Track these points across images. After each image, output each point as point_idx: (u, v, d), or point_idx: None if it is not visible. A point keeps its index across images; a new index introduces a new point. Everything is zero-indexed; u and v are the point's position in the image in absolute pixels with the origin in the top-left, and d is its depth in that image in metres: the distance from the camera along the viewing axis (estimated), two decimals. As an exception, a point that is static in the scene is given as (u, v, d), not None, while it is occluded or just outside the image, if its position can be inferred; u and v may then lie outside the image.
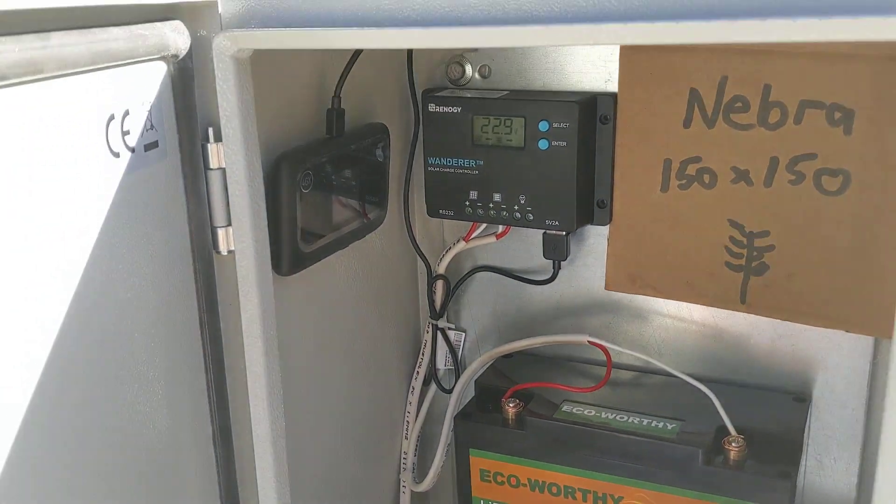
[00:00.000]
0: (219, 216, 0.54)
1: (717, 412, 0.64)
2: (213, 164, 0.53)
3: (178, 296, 0.54)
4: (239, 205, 0.53)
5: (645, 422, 0.65)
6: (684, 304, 0.71)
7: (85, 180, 0.47)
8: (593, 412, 0.67)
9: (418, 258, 0.76)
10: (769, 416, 0.65)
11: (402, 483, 0.80)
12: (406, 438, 0.80)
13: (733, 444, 0.62)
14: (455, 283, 0.77)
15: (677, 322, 0.72)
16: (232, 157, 0.52)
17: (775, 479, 0.60)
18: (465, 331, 0.80)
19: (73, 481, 0.48)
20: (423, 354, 0.80)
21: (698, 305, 0.71)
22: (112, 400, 0.50)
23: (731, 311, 0.69)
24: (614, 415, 0.66)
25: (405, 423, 0.80)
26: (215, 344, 0.57)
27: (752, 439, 0.63)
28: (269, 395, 0.58)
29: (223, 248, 0.55)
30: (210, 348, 0.57)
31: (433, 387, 0.80)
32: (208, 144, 0.53)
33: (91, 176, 0.47)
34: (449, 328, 0.79)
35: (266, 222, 0.55)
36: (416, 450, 0.80)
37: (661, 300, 0.72)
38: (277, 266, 0.59)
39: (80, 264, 0.47)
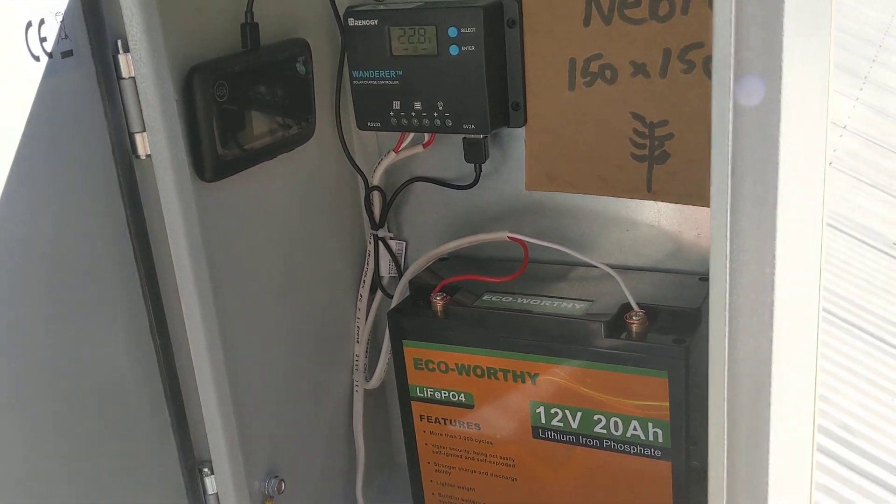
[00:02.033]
0: (134, 122, 0.59)
1: (625, 294, 0.68)
2: (125, 73, 0.58)
3: (102, 199, 0.60)
4: (150, 111, 0.58)
5: (556, 304, 0.70)
6: (599, 197, 0.75)
7: (8, 82, 0.52)
8: (511, 299, 0.72)
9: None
10: (673, 294, 0.70)
11: (355, 383, 0.86)
12: (357, 342, 0.86)
13: (635, 318, 0.66)
14: (391, 195, 0.82)
15: (592, 215, 0.76)
16: (140, 67, 0.57)
17: (670, 346, 0.64)
18: (405, 240, 0.85)
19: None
20: (367, 264, 0.85)
21: (611, 198, 0.75)
22: (43, 303, 0.56)
23: (640, 201, 0.73)
24: (529, 300, 0.71)
25: (356, 328, 0.86)
26: (143, 246, 0.62)
27: (655, 314, 0.67)
28: (199, 293, 0.64)
29: (141, 153, 0.60)
30: (139, 251, 0.62)
31: (380, 293, 0.85)
32: (118, 55, 0.58)
33: (14, 78, 0.52)
34: (390, 238, 0.84)
35: (178, 127, 0.60)
36: (366, 352, 0.86)
37: (578, 196, 0.76)
38: (200, 172, 0.64)
39: (4, 166, 0.52)
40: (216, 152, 0.64)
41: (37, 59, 0.54)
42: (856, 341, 2.21)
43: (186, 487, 0.68)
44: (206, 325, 0.64)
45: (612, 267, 0.71)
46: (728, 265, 0.46)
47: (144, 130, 0.59)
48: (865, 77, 4.46)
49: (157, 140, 0.59)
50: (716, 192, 0.45)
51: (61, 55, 0.55)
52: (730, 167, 0.44)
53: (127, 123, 0.59)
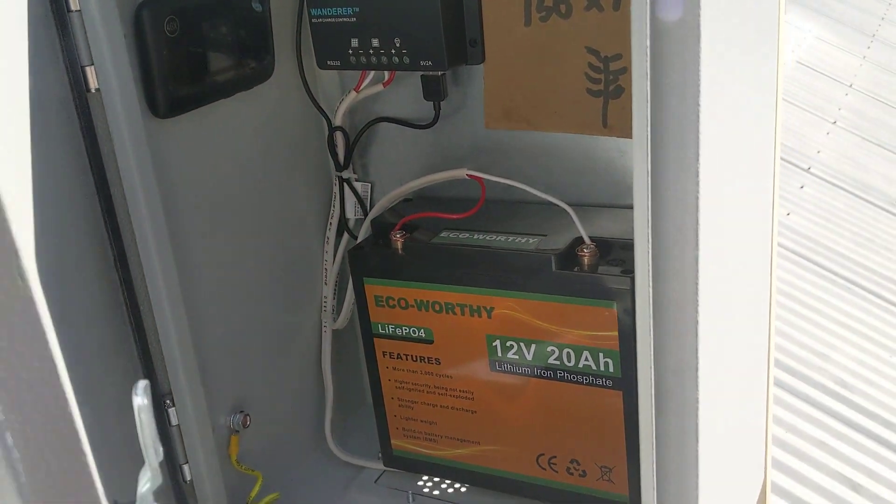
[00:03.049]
0: (84, 55, 0.60)
1: (578, 228, 0.69)
2: (73, 6, 0.58)
3: (63, 132, 0.60)
4: (97, 45, 0.59)
5: (511, 239, 0.71)
6: (558, 135, 0.76)
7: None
8: (467, 235, 0.73)
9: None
10: (628, 228, 0.70)
11: (323, 323, 0.87)
12: (325, 284, 0.87)
13: (585, 251, 0.67)
14: (354, 136, 0.82)
15: (552, 153, 0.77)
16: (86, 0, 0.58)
17: (618, 276, 0.65)
18: (371, 182, 0.86)
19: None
20: (333, 206, 0.86)
21: (571, 136, 0.75)
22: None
23: (599, 138, 0.74)
24: (485, 236, 0.72)
25: (324, 270, 0.87)
26: (101, 180, 0.63)
27: (608, 248, 0.68)
28: (154, 229, 0.65)
29: (92, 86, 0.61)
30: (98, 184, 0.63)
31: (347, 235, 0.86)
32: (66, -12, 0.58)
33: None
34: (355, 179, 0.85)
35: (126, 62, 0.61)
36: (334, 293, 0.87)
37: (539, 134, 0.76)
38: (154, 108, 0.65)
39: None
40: (169, 88, 0.64)
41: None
42: (855, 298, 2.21)
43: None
44: (161, 261, 0.65)
45: (570, 204, 0.72)
46: (649, 186, 0.46)
47: (93, 64, 0.60)
48: (874, 35, 4.41)
49: (105, 74, 0.59)
50: (637, 113, 0.45)
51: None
52: (648, 86, 0.44)
53: (78, 56, 0.60)
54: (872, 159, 3.11)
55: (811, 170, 2.81)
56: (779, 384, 1.81)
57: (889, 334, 2.13)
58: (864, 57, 4.08)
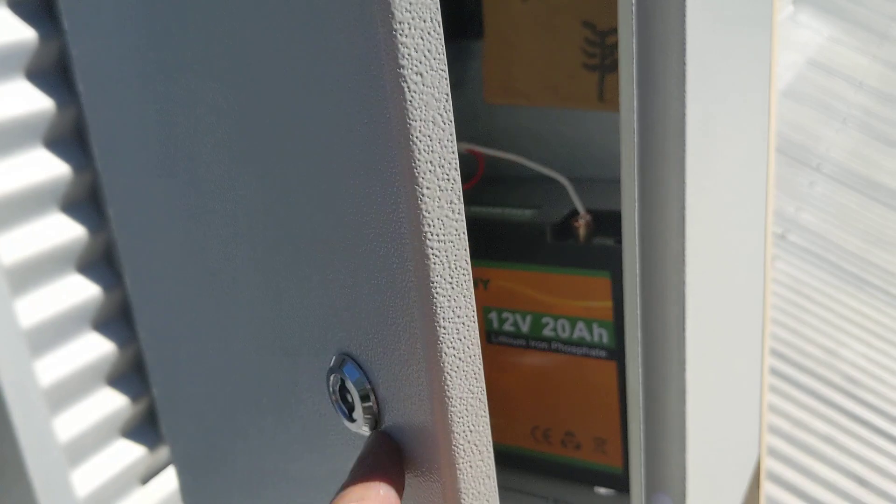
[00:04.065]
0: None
1: (574, 200, 0.69)
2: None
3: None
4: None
5: (507, 211, 0.71)
6: (555, 109, 0.76)
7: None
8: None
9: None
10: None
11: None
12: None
13: (581, 222, 0.68)
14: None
15: (550, 127, 0.77)
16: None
17: (611, 246, 0.66)
18: (372, 158, 0.86)
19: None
20: (335, 182, 0.86)
21: (572, 111, 0.76)
22: None
23: (599, 113, 0.74)
24: (480, 209, 0.73)
25: (324, 246, 0.88)
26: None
27: (604, 219, 0.68)
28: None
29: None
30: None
31: (348, 212, 0.87)
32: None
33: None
34: (356, 156, 0.85)
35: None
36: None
37: (534, 108, 0.77)
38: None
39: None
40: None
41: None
42: (864, 296, 2.21)
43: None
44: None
45: (570, 178, 0.72)
46: (636, 167, 0.47)
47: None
48: (884, 34, 4.39)
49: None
50: (624, 89, 0.46)
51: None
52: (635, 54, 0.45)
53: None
54: (882, 157, 3.11)
55: (821, 167, 2.81)
56: (787, 379, 1.81)
57: (897, 331, 2.12)
58: (875, 56, 4.07)
